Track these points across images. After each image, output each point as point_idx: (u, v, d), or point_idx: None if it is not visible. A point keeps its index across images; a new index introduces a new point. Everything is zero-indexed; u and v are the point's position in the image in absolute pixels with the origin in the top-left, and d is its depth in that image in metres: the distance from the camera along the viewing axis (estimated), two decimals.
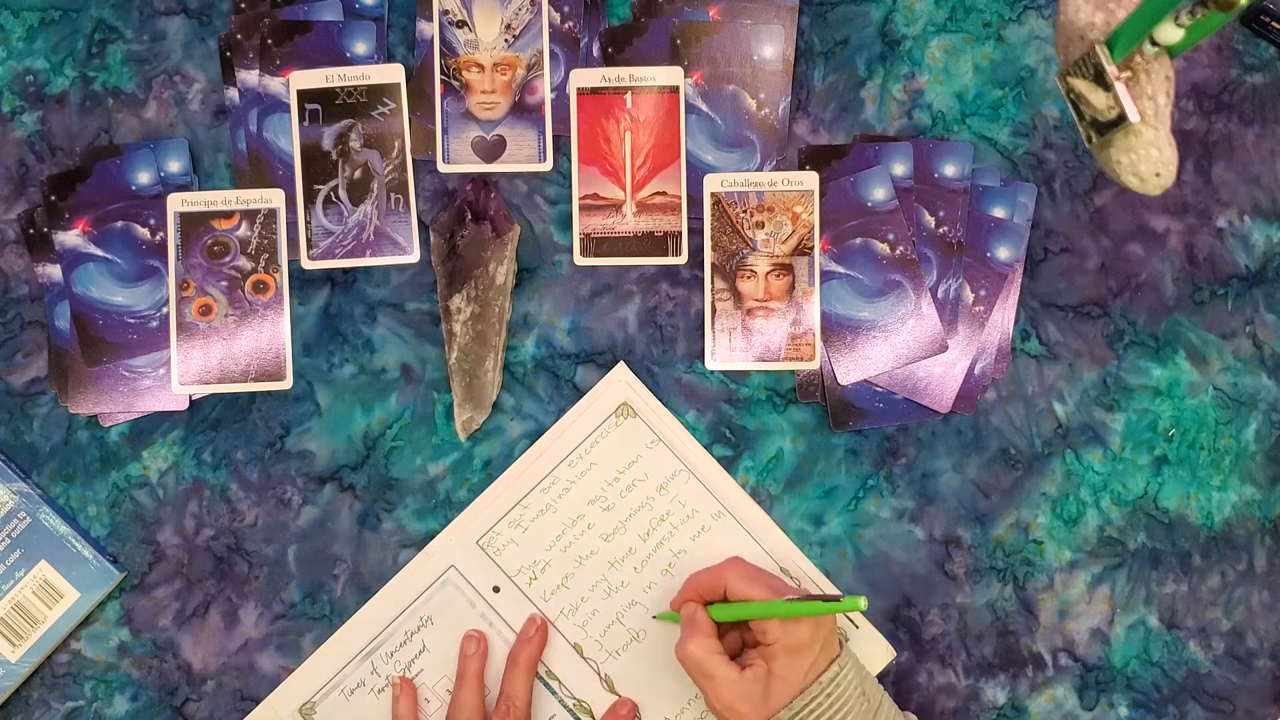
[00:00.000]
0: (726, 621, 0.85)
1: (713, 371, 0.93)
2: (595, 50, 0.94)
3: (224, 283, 0.92)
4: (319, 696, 0.91)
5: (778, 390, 0.93)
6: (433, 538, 0.92)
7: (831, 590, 0.91)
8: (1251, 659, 0.92)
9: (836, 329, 0.92)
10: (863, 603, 0.79)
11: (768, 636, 0.82)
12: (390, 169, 0.93)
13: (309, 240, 0.93)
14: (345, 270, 0.93)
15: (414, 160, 0.93)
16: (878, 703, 0.83)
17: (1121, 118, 0.78)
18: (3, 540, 0.91)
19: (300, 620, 0.92)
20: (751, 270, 0.92)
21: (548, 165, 0.93)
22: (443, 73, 0.93)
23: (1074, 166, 0.93)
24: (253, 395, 0.93)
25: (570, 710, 0.91)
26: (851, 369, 0.92)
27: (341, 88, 0.93)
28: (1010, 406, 0.92)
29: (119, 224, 0.93)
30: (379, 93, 0.93)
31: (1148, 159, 0.80)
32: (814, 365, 0.92)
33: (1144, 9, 0.75)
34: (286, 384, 0.92)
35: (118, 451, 0.93)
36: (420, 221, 0.93)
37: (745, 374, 0.93)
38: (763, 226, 0.92)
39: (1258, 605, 0.92)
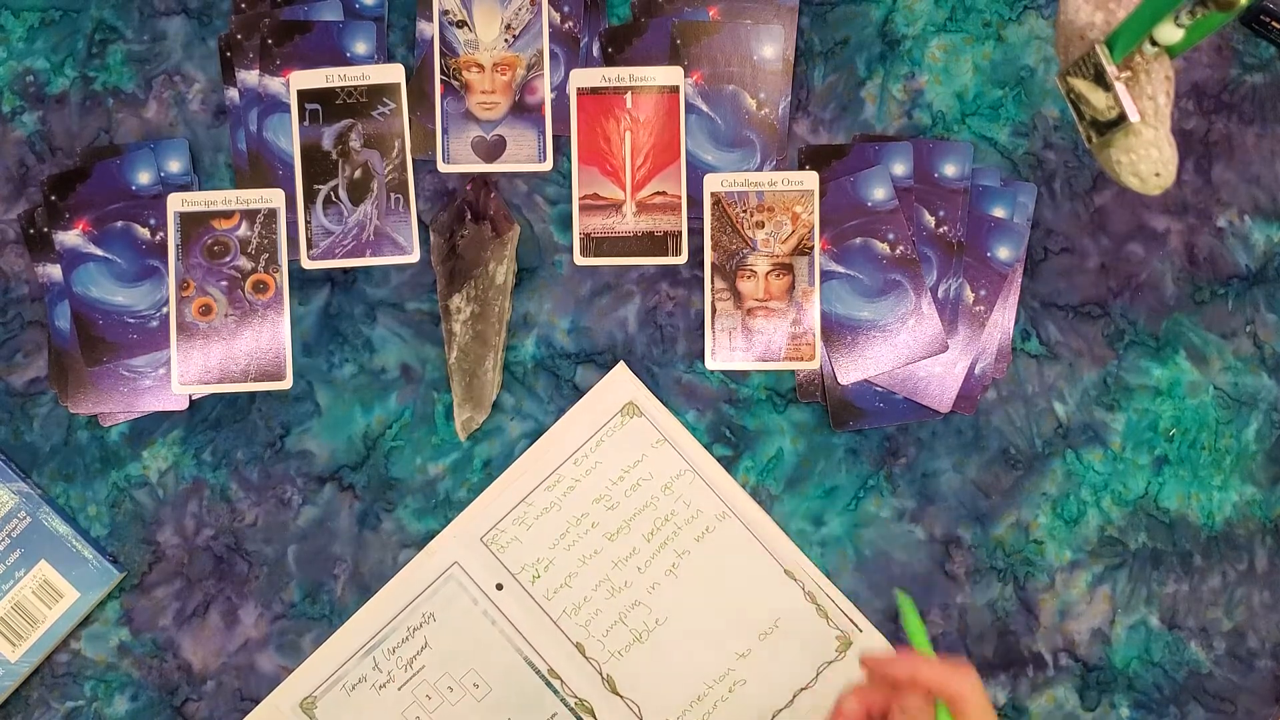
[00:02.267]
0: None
1: (713, 371, 0.93)
2: (595, 50, 0.94)
3: (224, 283, 0.92)
4: (321, 691, 0.91)
5: (778, 390, 0.93)
6: (432, 538, 0.92)
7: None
8: (1252, 659, 0.92)
9: (836, 329, 0.92)
10: None
11: None
12: (390, 169, 0.93)
13: (309, 240, 0.93)
14: (345, 270, 0.93)
15: (414, 160, 0.93)
16: None
17: (1121, 118, 0.79)
18: (3, 540, 0.91)
19: (300, 620, 0.92)
20: (751, 270, 0.92)
21: (548, 165, 0.93)
22: (443, 73, 0.93)
23: (1074, 166, 0.93)
24: (253, 395, 0.93)
25: (571, 710, 0.91)
26: (851, 369, 0.92)
27: (341, 88, 0.93)
28: (1010, 406, 0.92)
29: (119, 224, 0.93)
30: (379, 93, 0.93)
31: (1148, 159, 0.80)
32: (814, 365, 0.92)
33: (1144, 9, 0.75)
34: (286, 384, 0.92)
35: (118, 451, 0.93)
36: (420, 221, 0.93)
37: (745, 374, 0.93)
38: (763, 226, 0.92)
39: (1258, 605, 0.92)
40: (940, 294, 0.92)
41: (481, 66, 0.93)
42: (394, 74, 0.93)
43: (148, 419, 0.93)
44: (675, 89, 0.93)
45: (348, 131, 0.93)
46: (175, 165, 0.93)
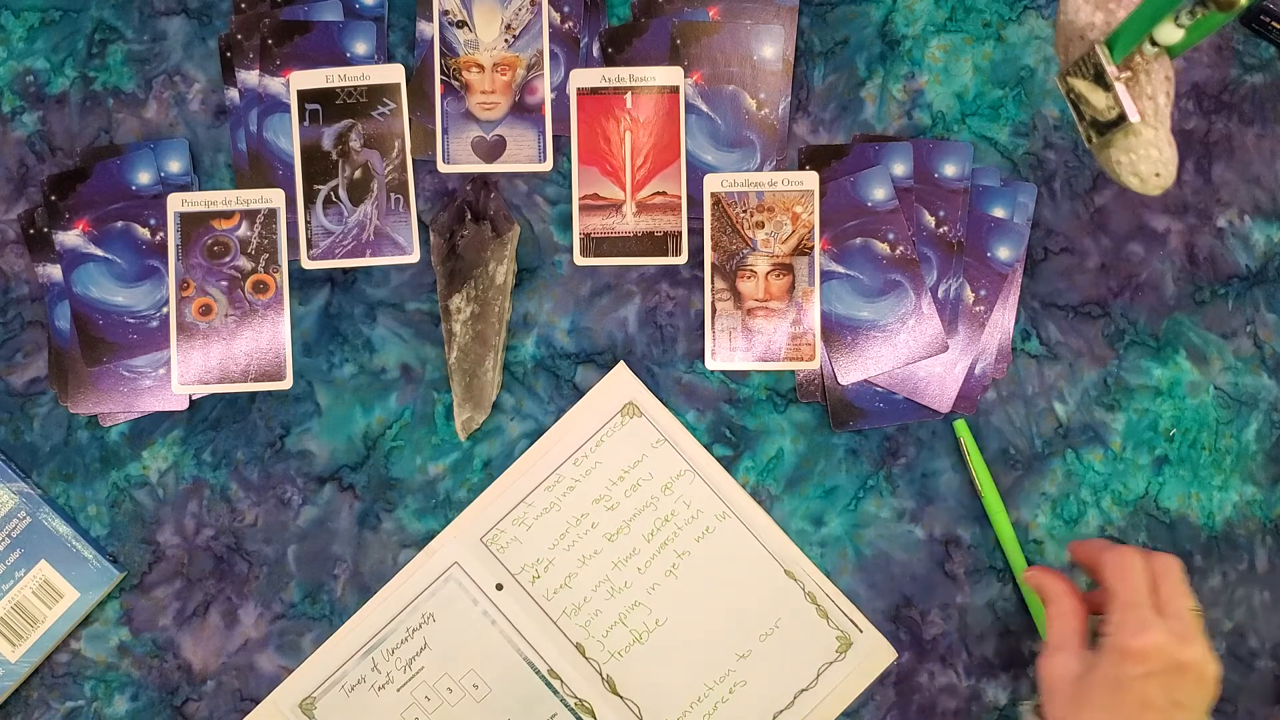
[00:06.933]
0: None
1: (713, 371, 0.93)
2: (595, 50, 0.94)
3: (224, 283, 0.92)
4: (320, 692, 0.91)
5: (778, 390, 0.93)
6: (432, 538, 0.92)
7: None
8: (1253, 659, 0.92)
9: (836, 329, 0.92)
10: None
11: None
12: (390, 169, 0.93)
13: (309, 240, 0.93)
14: (345, 270, 0.93)
15: (414, 160, 0.93)
16: None
17: (1121, 118, 0.79)
18: (3, 540, 0.91)
19: (300, 620, 0.92)
20: (751, 270, 0.92)
21: (548, 165, 0.93)
22: (443, 73, 0.93)
23: (1074, 166, 0.93)
24: (253, 395, 0.93)
25: (572, 710, 0.91)
26: (851, 369, 0.92)
27: (341, 88, 0.93)
28: (1010, 406, 0.92)
29: (119, 224, 0.93)
30: (379, 93, 0.93)
31: (1148, 159, 0.80)
32: (814, 365, 0.92)
33: (1144, 9, 0.75)
34: (286, 384, 0.92)
35: (118, 451, 0.93)
36: (420, 221, 0.93)
37: (745, 374, 0.93)
38: (763, 226, 0.92)
39: (1259, 605, 0.92)
40: (940, 294, 0.92)
41: (481, 66, 0.93)
42: (394, 74, 0.93)
43: (148, 419, 0.93)
44: (675, 89, 0.93)
45: (348, 131, 0.93)
46: (175, 165, 0.93)
